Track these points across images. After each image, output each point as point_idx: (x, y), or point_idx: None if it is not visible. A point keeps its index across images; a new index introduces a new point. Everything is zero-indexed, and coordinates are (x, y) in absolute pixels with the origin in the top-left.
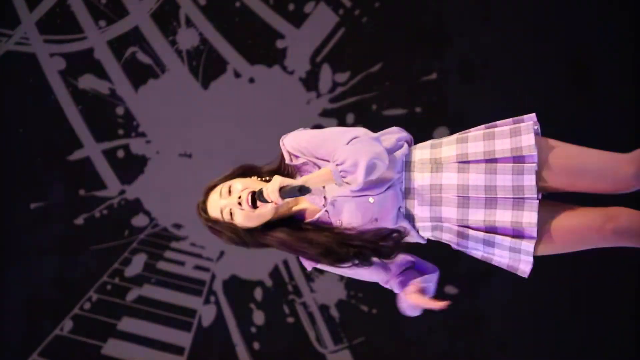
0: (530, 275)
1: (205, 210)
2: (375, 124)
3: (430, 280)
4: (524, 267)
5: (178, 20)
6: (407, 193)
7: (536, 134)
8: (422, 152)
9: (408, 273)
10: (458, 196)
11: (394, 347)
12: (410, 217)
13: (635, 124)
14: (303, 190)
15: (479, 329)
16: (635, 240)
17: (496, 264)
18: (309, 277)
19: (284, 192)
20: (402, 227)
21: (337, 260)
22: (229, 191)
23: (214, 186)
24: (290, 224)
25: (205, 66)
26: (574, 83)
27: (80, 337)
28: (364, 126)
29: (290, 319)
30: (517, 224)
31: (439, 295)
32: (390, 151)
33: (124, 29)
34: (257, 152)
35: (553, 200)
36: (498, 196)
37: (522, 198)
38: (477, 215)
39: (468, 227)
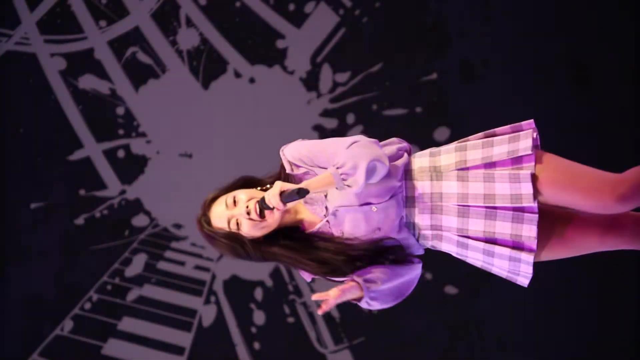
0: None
1: (208, 222)
2: (375, 124)
3: (378, 293)
4: (523, 278)
5: (178, 21)
6: (408, 201)
7: (535, 141)
8: (422, 160)
9: (377, 268)
10: (458, 205)
11: (394, 347)
12: (410, 226)
13: (636, 124)
14: (302, 193)
15: (479, 329)
16: (636, 244)
17: (495, 274)
18: None
19: (284, 196)
20: (403, 238)
21: (333, 272)
22: (234, 202)
23: (216, 198)
24: (292, 236)
25: (206, 66)
26: (574, 83)
27: (81, 337)
28: (364, 126)
29: (291, 319)
30: (516, 236)
31: (439, 295)
32: (392, 160)
33: (125, 29)
34: (257, 152)
35: (551, 205)
36: (497, 205)
37: (522, 210)
38: (477, 226)
39: (468, 237)
